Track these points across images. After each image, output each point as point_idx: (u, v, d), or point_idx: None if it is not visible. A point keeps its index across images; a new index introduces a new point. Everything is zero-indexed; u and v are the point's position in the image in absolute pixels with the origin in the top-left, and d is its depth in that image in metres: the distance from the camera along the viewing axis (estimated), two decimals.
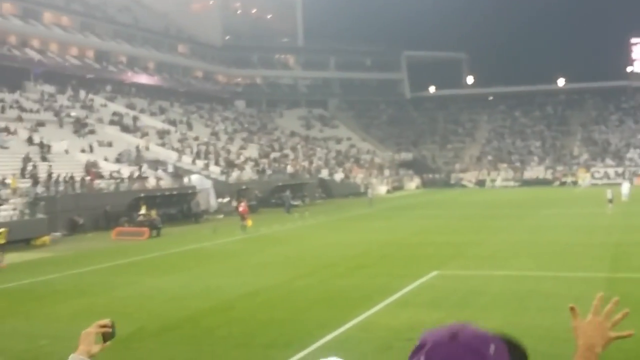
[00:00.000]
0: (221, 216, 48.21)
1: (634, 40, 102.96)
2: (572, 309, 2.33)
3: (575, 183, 79.43)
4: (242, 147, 75.28)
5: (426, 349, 1.69)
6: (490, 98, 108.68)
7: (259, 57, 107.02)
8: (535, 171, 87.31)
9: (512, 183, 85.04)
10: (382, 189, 77.83)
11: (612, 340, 2.30)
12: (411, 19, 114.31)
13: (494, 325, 13.16)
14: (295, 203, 56.06)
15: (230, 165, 64.89)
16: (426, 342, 1.71)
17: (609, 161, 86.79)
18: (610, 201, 42.29)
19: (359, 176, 79.72)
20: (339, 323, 14.97)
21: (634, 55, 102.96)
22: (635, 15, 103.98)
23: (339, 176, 76.91)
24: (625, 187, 51.32)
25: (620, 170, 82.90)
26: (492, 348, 1.68)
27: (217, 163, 63.74)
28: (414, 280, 20.37)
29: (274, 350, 12.96)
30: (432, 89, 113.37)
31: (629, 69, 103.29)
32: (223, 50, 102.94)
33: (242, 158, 69.82)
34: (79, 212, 40.78)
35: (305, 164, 77.27)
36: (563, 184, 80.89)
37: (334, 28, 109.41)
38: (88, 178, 45.43)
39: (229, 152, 70.86)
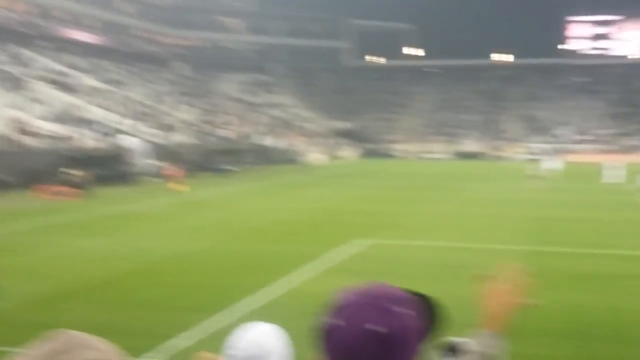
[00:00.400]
0: (155, 179, 47.56)
1: (570, 18, 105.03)
2: (477, 276, 2.35)
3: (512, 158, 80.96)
4: (182, 110, 74.21)
5: (343, 309, 1.70)
6: (432, 70, 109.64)
7: (203, 18, 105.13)
8: (470, 145, 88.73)
9: (446, 156, 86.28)
10: (320, 157, 78.02)
11: (518, 308, 2.36)
12: None
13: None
14: (231, 168, 55.71)
15: (168, 127, 63.94)
16: (342, 302, 1.73)
17: (541, 137, 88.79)
18: (535, 176, 43.30)
19: (297, 143, 79.67)
20: (264, 288, 15.00)
21: (569, 33, 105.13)
22: None
23: (278, 143, 76.69)
24: (554, 163, 52.64)
25: (551, 146, 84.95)
26: (410, 310, 1.68)
27: (154, 125, 62.71)
28: (344, 248, 20.54)
29: (195, 313, 12.88)
30: (375, 59, 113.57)
31: (564, 47, 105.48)
32: (168, 10, 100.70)
33: (180, 121, 68.87)
34: (6, 170, 39.59)
35: (246, 129, 76.74)
36: (498, 158, 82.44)
37: None
38: (18, 135, 44.11)
39: (167, 114, 69.78)
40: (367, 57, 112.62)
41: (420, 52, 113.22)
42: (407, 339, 1.66)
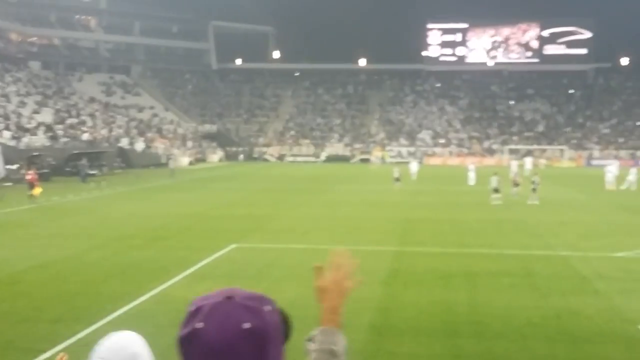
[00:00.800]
0: (9, 184, 45.22)
1: (429, 25, 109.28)
2: (316, 268, 2.40)
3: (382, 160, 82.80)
4: (35, 111, 70.89)
5: (203, 312, 1.70)
6: (296, 74, 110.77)
7: (57, 16, 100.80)
8: (335, 148, 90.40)
9: (314, 158, 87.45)
10: (185, 161, 77.00)
11: (349, 290, 2.45)
12: None
13: (288, 297, 13.53)
14: (92, 172, 53.90)
15: (22, 130, 60.93)
16: (201, 306, 1.72)
17: (402, 141, 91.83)
18: (398, 179, 44.70)
19: (160, 146, 78.16)
20: (133, 296, 14.69)
21: (429, 40, 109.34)
22: (432, 1, 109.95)
23: (139, 146, 74.86)
24: (414, 166, 54.62)
25: (412, 149, 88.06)
26: (267, 307, 1.72)
27: (7, 127, 59.57)
28: (212, 252, 20.41)
29: (62, 324, 12.43)
30: (239, 62, 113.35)
31: (424, 53, 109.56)
32: (18, 6, 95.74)
33: (34, 123, 65.79)
34: None
35: (105, 132, 74.38)
36: (364, 160, 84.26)
37: None
38: None
39: (20, 115, 66.47)
40: (232, 60, 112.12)
41: (285, 56, 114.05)
42: (276, 335, 1.73)
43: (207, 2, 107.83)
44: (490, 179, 35.91)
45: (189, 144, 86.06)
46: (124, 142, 72.98)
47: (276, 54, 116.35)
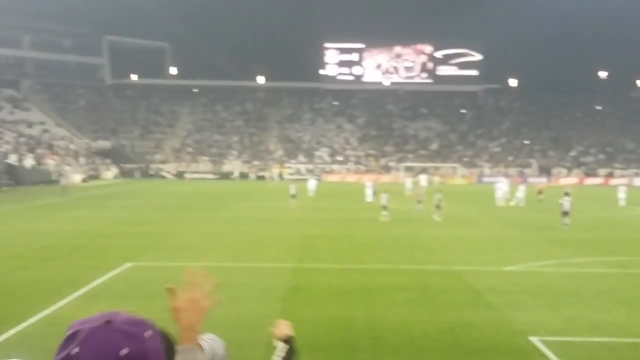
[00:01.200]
0: None
1: (327, 44, 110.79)
2: (169, 290, 2.38)
3: (280, 177, 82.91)
4: None
5: (80, 337, 1.64)
6: (194, 90, 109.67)
7: None
8: (233, 165, 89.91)
9: (211, 175, 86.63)
10: (77, 178, 74.63)
11: (207, 309, 2.44)
12: (115, 2, 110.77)
13: None
14: None
15: None
16: (79, 330, 1.66)
17: (301, 158, 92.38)
18: (294, 196, 44.84)
19: (51, 163, 75.50)
20: (21, 318, 14.07)
21: (326, 59, 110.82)
22: (329, 21, 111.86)
23: (29, 162, 72.06)
24: (312, 183, 55.03)
25: (310, 167, 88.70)
26: (147, 332, 1.67)
27: None
28: (106, 272, 19.84)
29: None
30: (134, 77, 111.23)
31: (321, 72, 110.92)
32: None
33: None
34: None
35: None
36: (261, 177, 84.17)
37: (29, 4, 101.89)
38: None
39: None
40: (127, 75, 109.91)
41: (182, 72, 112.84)
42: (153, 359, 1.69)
43: (102, 16, 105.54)
44: (380, 196, 36.74)
45: (82, 160, 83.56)
46: (12, 159, 70.10)
47: (173, 70, 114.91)
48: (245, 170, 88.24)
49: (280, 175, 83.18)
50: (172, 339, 1.99)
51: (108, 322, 1.68)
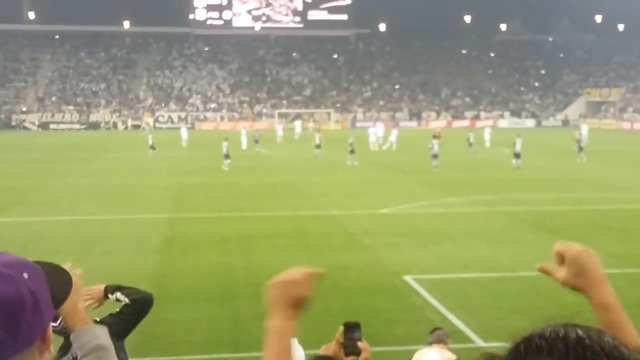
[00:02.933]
0: None
1: None
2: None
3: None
4: None
5: None
6: (56, 37, 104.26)
7: None
8: (101, 114, 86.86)
9: (77, 126, 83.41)
10: None
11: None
12: None
13: None
14: None
15: None
16: None
17: (172, 106, 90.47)
18: (152, 147, 41.81)
19: None
20: None
21: (195, 3, 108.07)
22: None
23: None
24: (184, 132, 53.74)
25: (183, 115, 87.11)
26: (25, 274, 1.64)
27: None
28: None
29: None
30: None
31: (190, 17, 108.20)
32: None
33: None
34: None
35: None
36: (131, 127, 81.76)
37: None
38: None
39: None
40: None
41: (41, 16, 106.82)
42: (32, 304, 1.63)
43: None
44: (222, 144, 35.85)
45: None
46: None
47: (31, 15, 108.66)
48: (115, 119, 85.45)
49: (152, 125, 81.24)
50: (67, 275, 2.01)
51: None
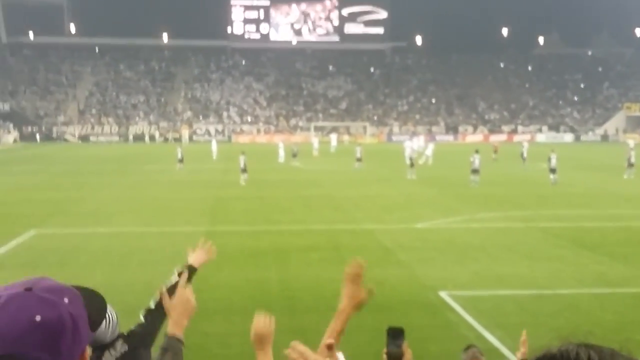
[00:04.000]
0: None
1: (233, 2, 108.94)
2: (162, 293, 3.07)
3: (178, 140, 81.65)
4: None
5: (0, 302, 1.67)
6: (96, 49, 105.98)
7: None
8: (139, 126, 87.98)
9: (117, 138, 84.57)
10: None
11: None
12: None
13: (96, 283, 13.03)
14: None
15: None
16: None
17: (211, 119, 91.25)
18: (180, 160, 42.54)
19: None
20: None
21: (233, 17, 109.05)
22: None
23: None
24: (214, 145, 54.32)
25: (220, 127, 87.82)
26: (66, 299, 1.71)
27: None
28: (8, 240, 19.26)
29: None
30: (31, 35, 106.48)
31: (228, 30, 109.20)
32: None
33: None
34: None
35: None
36: (166, 140, 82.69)
37: None
38: None
39: None
40: (24, 33, 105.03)
41: (82, 29, 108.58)
42: (75, 326, 1.71)
43: None
44: (239, 158, 35.73)
45: None
46: None
47: (72, 28, 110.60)
48: (153, 131, 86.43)
49: (187, 137, 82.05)
50: (102, 300, 2.10)
51: (28, 289, 1.71)
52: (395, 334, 2.93)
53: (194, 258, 4.59)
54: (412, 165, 38.24)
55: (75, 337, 1.72)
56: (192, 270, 4.43)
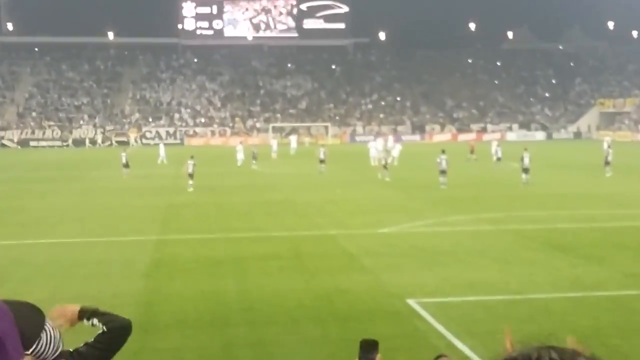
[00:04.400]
0: None
1: None
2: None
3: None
4: None
5: None
6: (35, 48, 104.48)
7: None
8: (84, 130, 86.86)
9: (59, 143, 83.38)
10: None
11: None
12: None
13: (38, 297, 12.80)
14: None
15: None
16: None
17: (161, 121, 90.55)
18: (126, 165, 41.65)
19: None
20: None
21: (184, 12, 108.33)
22: None
23: None
24: (162, 149, 53.80)
25: (171, 130, 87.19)
26: None
27: None
28: None
29: None
30: None
31: (179, 27, 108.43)
32: None
33: None
34: None
35: None
36: (124, 143, 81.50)
37: None
38: None
39: None
40: None
41: (20, 28, 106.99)
42: (5, 340, 1.71)
43: None
44: (187, 163, 35.33)
45: None
46: None
47: (9, 26, 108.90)
48: (98, 135, 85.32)
49: (138, 140, 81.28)
50: (39, 315, 2.12)
51: None
52: (369, 347, 2.94)
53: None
54: (385, 166, 38.47)
55: (2, 356, 1.67)
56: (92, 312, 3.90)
